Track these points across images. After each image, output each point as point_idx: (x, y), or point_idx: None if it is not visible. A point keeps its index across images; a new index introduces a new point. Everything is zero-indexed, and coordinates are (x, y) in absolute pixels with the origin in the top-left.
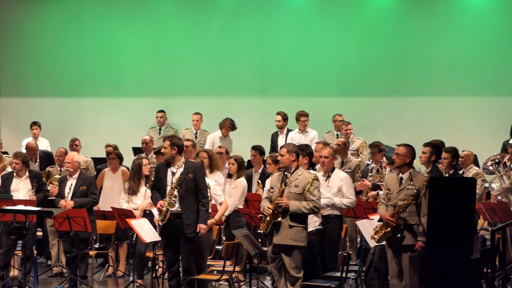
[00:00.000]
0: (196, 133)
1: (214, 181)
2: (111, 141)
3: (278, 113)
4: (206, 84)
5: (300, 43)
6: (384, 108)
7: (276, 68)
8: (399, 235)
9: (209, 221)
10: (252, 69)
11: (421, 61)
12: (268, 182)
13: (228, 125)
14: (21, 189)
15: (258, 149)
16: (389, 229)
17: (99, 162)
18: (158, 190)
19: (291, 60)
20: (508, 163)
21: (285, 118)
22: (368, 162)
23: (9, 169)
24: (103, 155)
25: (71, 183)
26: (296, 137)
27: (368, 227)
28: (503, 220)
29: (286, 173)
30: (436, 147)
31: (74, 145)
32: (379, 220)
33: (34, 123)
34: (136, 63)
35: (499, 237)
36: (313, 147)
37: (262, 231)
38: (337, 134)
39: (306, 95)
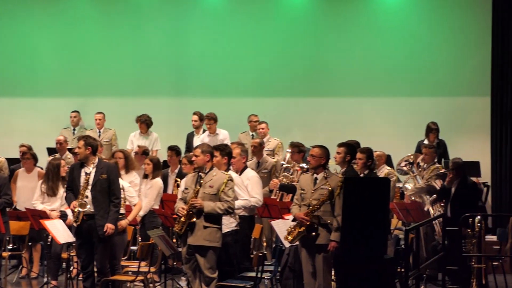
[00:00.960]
0: (100, 131)
1: (129, 182)
2: (26, 141)
3: (194, 113)
4: (121, 84)
5: (215, 43)
6: (300, 108)
7: (192, 68)
8: (313, 233)
9: (123, 222)
10: (167, 69)
11: (336, 61)
12: (182, 183)
13: (141, 120)
14: None
15: (174, 150)
16: (303, 228)
17: (13, 163)
18: (72, 191)
19: (206, 60)
20: (421, 164)
21: (201, 118)
22: (282, 162)
23: None
24: (17, 155)
25: None
26: (206, 139)
27: (283, 227)
28: (416, 220)
29: (200, 173)
30: (350, 147)
31: None
32: (293, 220)
33: None
34: (51, 62)
35: (412, 236)
36: None
37: (176, 232)
38: (252, 135)
39: (222, 95)
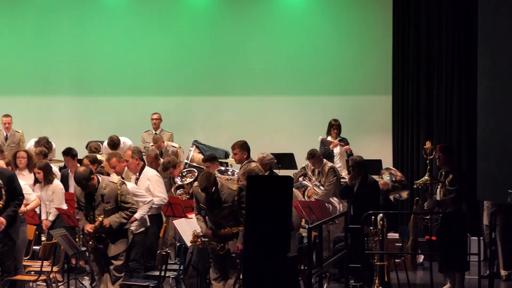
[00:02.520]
0: (7, 135)
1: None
2: None
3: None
4: (22, 83)
5: (117, 43)
6: (202, 107)
7: (94, 68)
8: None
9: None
10: (69, 68)
11: (238, 60)
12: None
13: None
14: None
15: (70, 154)
16: (215, 245)
17: None
18: None
19: (109, 60)
20: (315, 171)
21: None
22: (186, 160)
23: None
24: None
25: None
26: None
27: (186, 226)
28: (319, 218)
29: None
30: (243, 145)
31: None
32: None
33: None
34: None
35: (315, 234)
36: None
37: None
38: (155, 133)
39: (124, 94)
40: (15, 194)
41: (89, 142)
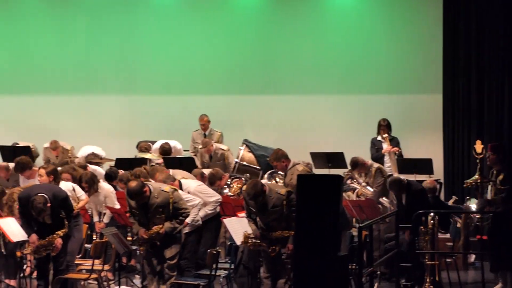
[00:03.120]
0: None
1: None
2: None
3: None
4: (74, 83)
5: (167, 42)
6: (252, 106)
7: (144, 66)
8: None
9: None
10: (120, 67)
11: (288, 59)
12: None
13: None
14: None
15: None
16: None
17: None
18: None
19: (159, 59)
20: (362, 174)
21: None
22: (236, 159)
23: None
24: None
25: None
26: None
27: (237, 225)
28: (370, 217)
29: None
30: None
31: None
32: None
33: None
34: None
35: (366, 233)
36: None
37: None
38: (204, 134)
39: (175, 93)
40: (69, 210)
41: (140, 142)
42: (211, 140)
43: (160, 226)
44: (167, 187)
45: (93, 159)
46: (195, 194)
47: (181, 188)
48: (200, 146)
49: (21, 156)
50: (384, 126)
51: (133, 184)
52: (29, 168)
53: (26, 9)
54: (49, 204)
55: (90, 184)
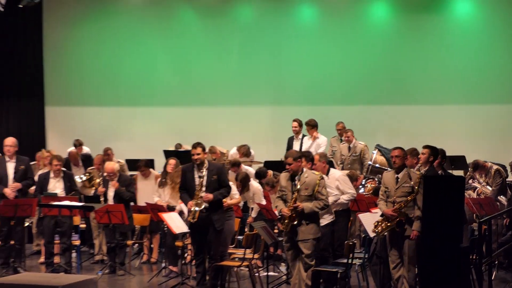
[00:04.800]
0: None
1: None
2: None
3: (294, 120)
4: (228, 95)
5: (308, 59)
6: (383, 115)
7: (289, 79)
8: (402, 227)
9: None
10: (268, 80)
11: (415, 72)
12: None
13: (243, 152)
14: (57, 188)
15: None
16: (392, 223)
17: (133, 163)
18: (186, 190)
19: (303, 72)
20: (482, 176)
21: (300, 124)
22: (369, 162)
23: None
24: (137, 157)
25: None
26: (306, 142)
27: (370, 219)
28: (488, 213)
29: (295, 176)
30: (433, 149)
31: (107, 154)
32: (381, 215)
33: (77, 140)
34: (166, 76)
35: (485, 227)
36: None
37: (283, 230)
38: (340, 139)
39: (316, 104)
40: (224, 184)
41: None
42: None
43: (299, 203)
44: (317, 172)
45: (245, 161)
46: (338, 180)
47: (327, 175)
48: (335, 149)
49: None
50: None
51: (292, 151)
52: None
53: (187, 29)
54: None
55: (243, 183)
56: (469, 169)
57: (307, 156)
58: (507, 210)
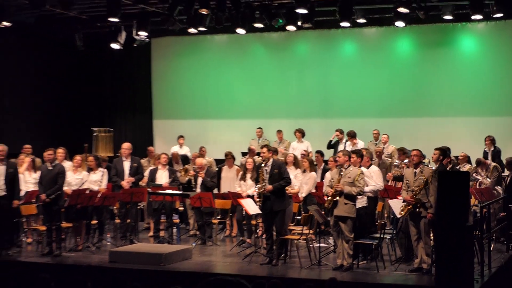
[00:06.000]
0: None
1: (294, 175)
2: (227, 148)
3: (337, 130)
4: (288, 110)
5: (350, 81)
6: (406, 124)
7: (336, 97)
8: (417, 209)
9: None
10: (318, 99)
11: (432, 92)
12: (328, 175)
13: (299, 133)
14: (163, 179)
15: (319, 152)
16: (410, 206)
17: (220, 162)
18: (256, 180)
19: (345, 92)
20: (483, 171)
21: (341, 132)
22: (396, 161)
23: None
24: (222, 157)
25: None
26: (348, 147)
27: (397, 204)
28: (488, 199)
29: (342, 169)
30: (443, 150)
31: (201, 151)
32: (404, 201)
33: (181, 136)
34: (242, 95)
35: (485, 211)
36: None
37: (326, 207)
38: (375, 143)
39: (356, 117)
40: (283, 176)
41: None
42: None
43: (341, 184)
44: (360, 169)
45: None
46: (375, 173)
47: (368, 168)
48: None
49: None
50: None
51: (344, 150)
52: None
53: (258, 60)
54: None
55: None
56: (473, 165)
57: (357, 153)
58: (502, 197)
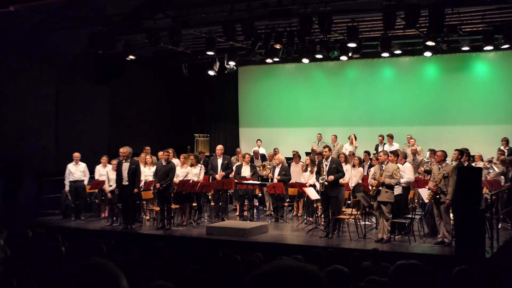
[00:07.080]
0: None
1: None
2: (294, 149)
3: (380, 135)
4: (341, 120)
5: (389, 98)
6: (433, 131)
7: (378, 110)
8: (437, 196)
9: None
10: (364, 111)
11: (453, 105)
12: (372, 170)
13: (352, 139)
14: (246, 172)
15: (366, 152)
16: (432, 193)
17: (288, 159)
18: (318, 173)
19: (385, 106)
20: (496, 160)
21: (383, 137)
22: (425, 159)
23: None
24: (290, 155)
25: (277, 169)
26: (386, 148)
27: (425, 192)
28: (496, 189)
29: (382, 165)
30: (461, 151)
31: (275, 151)
32: (429, 189)
33: (259, 140)
34: (307, 109)
35: (495, 198)
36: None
37: (370, 194)
38: (408, 145)
39: (394, 125)
40: (339, 170)
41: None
42: None
43: (383, 177)
44: (396, 166)
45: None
46: (407, 168)
47: (403, 164)
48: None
49: None
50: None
51: (384, 150)
52: None
53: (317, 83)
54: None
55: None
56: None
57: (394, 153)
58: (507, 188)
